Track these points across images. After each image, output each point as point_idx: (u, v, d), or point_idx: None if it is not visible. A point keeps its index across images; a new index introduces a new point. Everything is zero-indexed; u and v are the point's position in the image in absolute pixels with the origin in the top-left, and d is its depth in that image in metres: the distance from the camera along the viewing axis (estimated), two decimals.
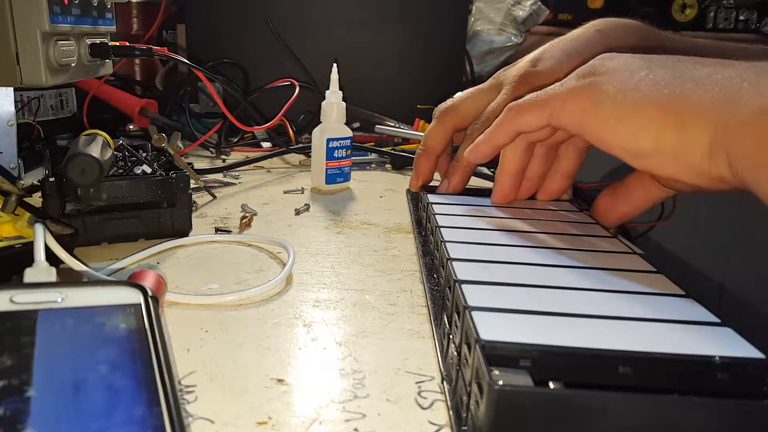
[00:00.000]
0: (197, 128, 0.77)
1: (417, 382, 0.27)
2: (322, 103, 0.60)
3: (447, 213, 0.43)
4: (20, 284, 0.27)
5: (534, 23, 1.06)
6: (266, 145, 0.78)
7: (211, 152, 0.74)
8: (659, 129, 0.32)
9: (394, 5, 0.88)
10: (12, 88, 0.52)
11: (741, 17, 1.24)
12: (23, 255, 0.32)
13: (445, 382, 0.27)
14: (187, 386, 0.26)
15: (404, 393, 0.27)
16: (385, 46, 0.89)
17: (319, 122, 0.60)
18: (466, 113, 0.50)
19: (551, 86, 0.39)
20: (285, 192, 0.60)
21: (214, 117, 0.80)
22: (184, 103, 0.79)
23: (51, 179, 0.41)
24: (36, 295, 0.25)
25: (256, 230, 0.48)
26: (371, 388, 0.27)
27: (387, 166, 0.73)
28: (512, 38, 1.04)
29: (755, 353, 0.23)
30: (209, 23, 0.85)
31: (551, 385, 0.22)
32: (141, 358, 0.23)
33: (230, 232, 0.47)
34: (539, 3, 1.05)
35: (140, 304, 0.26)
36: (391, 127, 0.82)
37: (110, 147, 0.44)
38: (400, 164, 0.72)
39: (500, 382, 0.21)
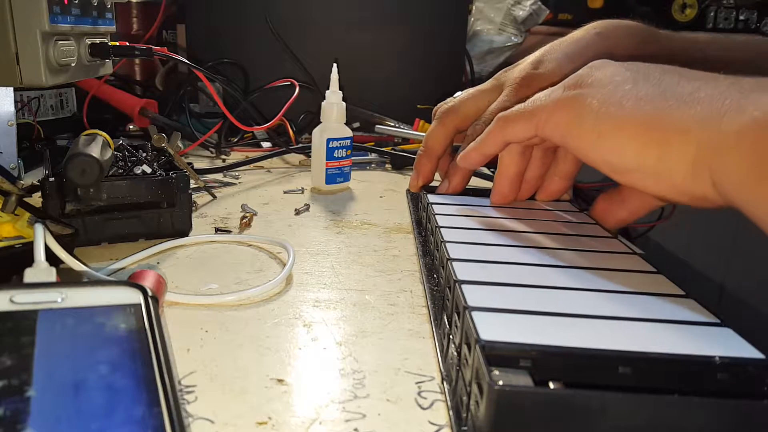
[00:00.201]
0: (197, 128, 0.77)
1: (417, 382, 0.27)
2: (322, 103, 0.60)
3: (447, 213, 0.43)
4: (20, 284, 0.27)
5: (534, 23, 1.06)
6: (266, 145, 0.78)
7: (211, 152, 0.74)
8: (640, 146, 0.32)
9: (394, 5, 0.88)
10: (12, 88, 0.52)
11: (741, 17, 1.24)
12: (23, 255, 0.32)
13: (445, 382, 0.27)
14: (187, 386, 0.26)
15: (404, 393, 0.27)
16: (385, 46, 0.89)
17: (319, 122, 0.60)
18: (467, 114, 0.50)
19: (538, 96, 0.39)
20: (285, 192, 0.60)
21: (214, 117, 0.80)
22: (184, 103, 0.79)
23: (51, 179, 0.41)
24: (36, 295, 0.25)
25: (256, 230, 0.48)
26: (371, 388, 0.27)
27: (387, 166, 0.73)
28: (512, 38, 1.04)
29: (755, 353, 0.23)
30: (209, 23, 0.85)
31: (551, 385, 0.22)
32: (141, 358, 0.23)
33: (230, 232, 0.47)
34: (539, 3, 1.05)
35: (140, 304, 0.26)
36: (391, 127, 0.82)
37: (110, 147, 0.44)
38: (400, 164, 0.72)
39: (500, 382, 0.21)
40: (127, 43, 0.55)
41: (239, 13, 0.85)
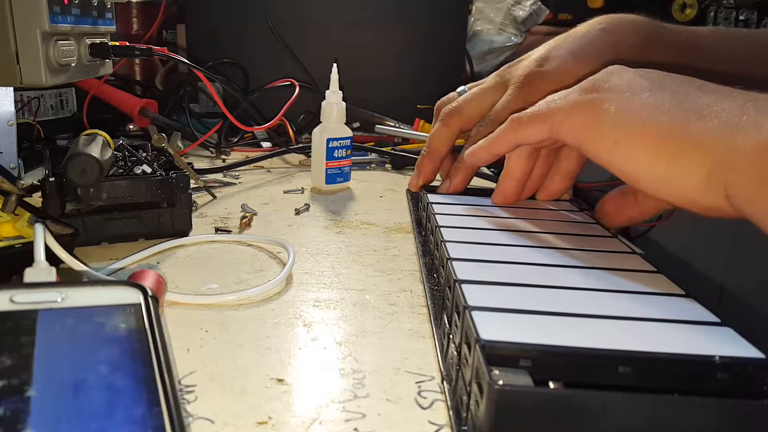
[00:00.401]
0: (197, 128, 0.77)
1: (417, 382, 0.27)
2: (322, 103, 0.60)
3: (447, 213, 0.43)
4: (20, 284, 0.27)
5: (534, 23, 1.06)
6: (266, 145, 0.78)
7: (211, 152, 0.74)
8: (655, 156, 0.32)
9: (394, 5, 0.88)
10: (12, 88, 0.52)
11: (741, 17, 1.24)
12: (23, 255, 0.32)
13: (445, 382, 0.27)
14: (187, 386, 0.26)
15: (404, 393, 0.27)
16: (385, 46, 0.89)
17: (319, 122, 0.60)
18: (471, 115, 0.50)
19: (553, 98, 0.38)
20: (285, 192, 0.60)
21: (214, 117, 0.80)
22: (184, 103, 0.79)
23: (51, 179, 0.41)
24: (36, 294, 0.25)
25: (256, 230, 0.48)
26: (371, 388, 0.27)
27: (387, 166, 0.73)
28: (512, 38, 1.04)
29: (755, 353, 0.23)
30: (209, 23, 0.85)
31: (551, 385, 0.22)
32: (141, 358, 0.23)
33: (230, 232, 0.47)
34: (539, 3, 1.05)
35: (140, 304, 0.26)
36: (391, 127, 0.82)
37: (110, 147, 0.44)
38: (400, 164, 0.72)
39: (500, 382, 0.21)
40: (127, 43, 0.55)
41: (239, 13, 0.85)
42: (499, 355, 0.23)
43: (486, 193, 0.48)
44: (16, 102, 0.53)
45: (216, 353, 0.29)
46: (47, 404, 0.20)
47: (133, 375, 0.22)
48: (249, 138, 0.80)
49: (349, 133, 0.60)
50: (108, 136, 0.45)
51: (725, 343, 0.24)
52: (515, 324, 0.25)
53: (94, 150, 0.40)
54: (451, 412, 0.25)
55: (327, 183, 0.60)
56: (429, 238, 0.43)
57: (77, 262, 0.34)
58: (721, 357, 0.23)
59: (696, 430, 0.21)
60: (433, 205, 0.44)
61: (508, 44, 1.04)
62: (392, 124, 0.83)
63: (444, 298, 0.33)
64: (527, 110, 0.40)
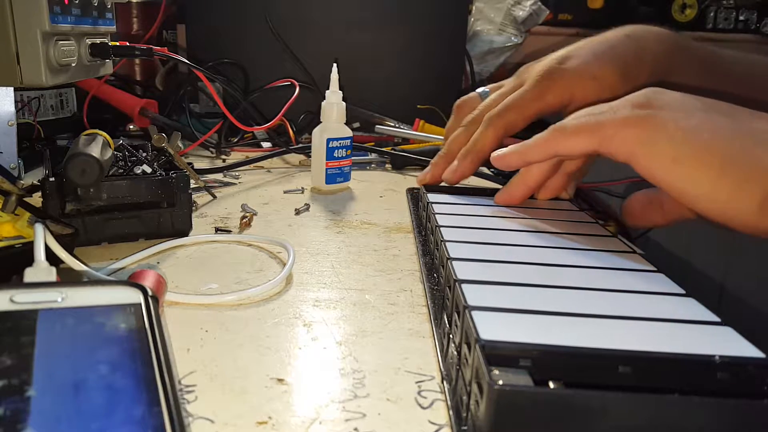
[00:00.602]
0: (197, 128, 0.77)
1: (417, 382, 0.27)
2: (322, 103, 0.60)
3: (447, 212, 0.43)
4: (20, 284, 0.27)
5: (534, 23, 1.06)
6: (266, 145, 0.78)
7: (211, 152, 0.74)
8: (716, 178, 0.32)
9: (394, 5, 0.88)
10: (12, 88, 0.52)
11: (741, 17, 1.24)
12: (23, 255, 0.32)
13: (445, 382, 0.27)
14: (187, 386, 0.26)
15: (404, 393, 0.27)
16: (385, 46, 0.89)
17: (319, 122, 0.60)
18: None
19: (599, 110, 0.37)
20: (285, 192, 0.60)
21: (214, 117, 0.80)
22: (184, 103, 0.79)
23: (51, 179, 0.41)
24: (36, 294, 0.25)
25: (256, 230, 0.48)
26: (371, 388, 0.27)
27: (387, 166, 0.73)
28: (512, 38, 1.04)
29: (756, 352, 0.23)
30: (209, 23, 0.85)
31: (551, 384, 0.22)
32: (141, 358, 0.23)
33: (230, 232, 0.47)
34: (539, 3, 1.05)
35: (140, 304, 0.26)
36: (391, 127, 0.82)
37: (110, 147, 0.44)
38: (400, 164, 0.72)
39: (500, 382, 0.21)
40: (128, 43, 0.55)
41: (239, 13, 0.85)
42: (499, 354, 0.23)
43: (486, 193, 0.48)
44: (16, 102, 0.53)
45: (216, 353, 0.29)
46: (47, 404, 0.20)
47: (133, 375, 0.22)
48: (249, 138, 0.80)
49: (349, 133, 0.60)
50: (108, 136, 0.45)
51: (725, 343, 0.24)
52: (515, 324, 0.25)
53: (94, 150, 0.40)
54: (451, 412, 0.25)
55: (327, 183, 0.60)
56: (429, 237, 0.43)
57: (77, 262, 0.34)
58: (721, 357, 0.23)
59: (696, 430, 0.21)
60: (433, 205, 0.44)
61: (508, 44, 1.04)
62: (392, 124, 0.83)
63: (444, 298, 0.33)
64: (569, 121, 0.38)
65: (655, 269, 0.33)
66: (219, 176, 0.64)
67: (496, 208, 0.45)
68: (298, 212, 0.53)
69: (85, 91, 0.76)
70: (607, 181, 0.50)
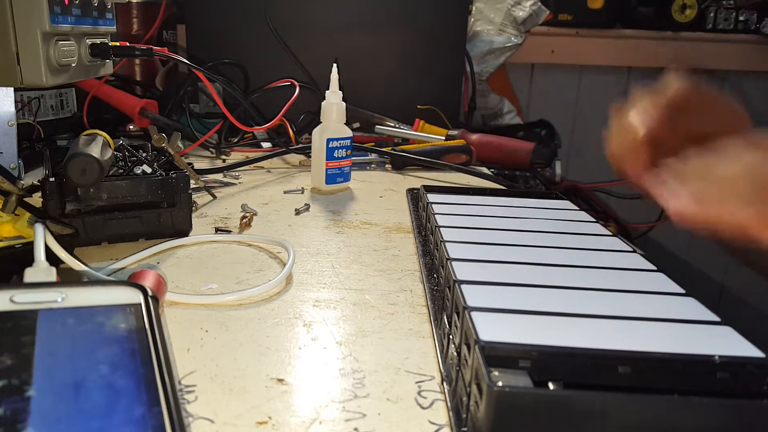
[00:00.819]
0: (197, 128, 0.77)
1: (417, 382, 0.27)
2: (322, 103, 0.60)
3: (447, 213, 0.43)
4: (20, 284, 0.27)
5: (534, 23, 1.06)
6: (266, 145, 0.78)
7: (211, 152, 0.74)
8: None
9: (394, 5, 0.88)
10: (12, 88, 0.52)
11: (741, 18, 1.24)
12: (23, 255, 0.32)
13: (445, 383, 0.27)
14: (187, 386, 0.26)
15: (404, 393, 0.27)
16: (385, 47, 0.89)
17: (319, 122, 0.60)
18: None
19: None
20: (285, 192, 0.60)
21: (214, 117, 0.80)
22: (184, 103, 0.79)
23: (51, 179, 0.41)
24: (36, 294, 0.25)
25: (256, 230, 0.48)
26: (371, 388, 0.27)
27: (387, 166, 0.73)
28: (512, 38, 1.04)
29: (755, 352, 0.23)
30: (209, 23, 0.85)
31: (551, 385, 0.22)
32: (141, 358, 0.23)
33: (230, 232, 0.47)
34: (539, 3, 1.05)
35: (140, 304, 0.26)
36: (391, 127, 0.82)
37: (110, 147, 0.44)
38: (400, 164, 0.72)
39: (499, 383, 0.21)
40: (128, 44, 0.55)
41: (239, 13, 0.85)
42: (499, 355, 0.23)
43: (485, 193, 0.48)
44: (16, 102, 0.53)
45: (216, 353, 0.29)
46: (47, 404, 0.20)
47: (133, 375, 0.22)
48: (249, 138, 0.80)
49: (349, 133, 0.60)
50: (108, 136, 0.45)
51: (725, 342, 0.24)
52: (515, 324, 0.25)
53: (94, 150, 0.40)
54: (450, 413, 0.25)
55: (327, 183, 0.60)
56: (429, 238, 0.43)
57: (77, 262, 0.34)
58: (721, 356, 0.23)
59: (696, 430, 0.21)
60: (433, 205, 0.44)
61: (508, 44, 1.04)
62: (392, 124, 0.83)
63: (444, 299, 0.33)
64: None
65: (655, 269, 0.33)
66: (219, 176, 0.64)
67: (496, 209, 0.45)
68: (298, 212, 0.53)
69: (85, 91, 0.76)
70: (607, 181, 0.50)
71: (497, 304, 0.27)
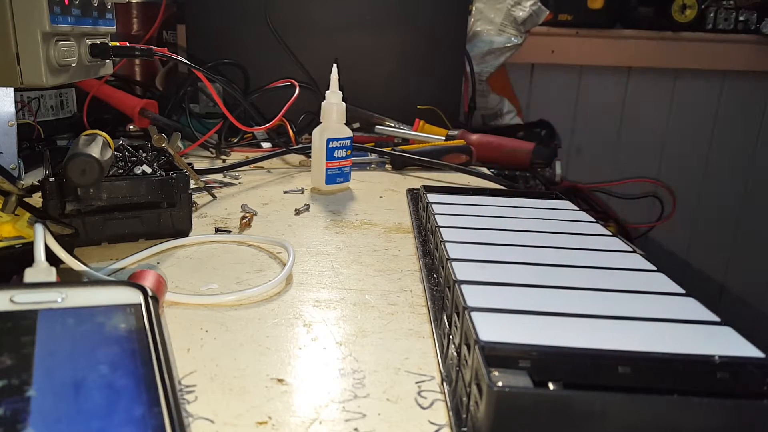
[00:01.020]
0: (197, 128, 0.77)
1: (417, 382, 0.27)
2: (322, 103, 0.60)
3: (447, 213, 0.43)
4: (20, 284, 0.27)
5: (534, 24, 1.06)
6: (266, 145, 0.78)
7: (211, 152, 0.74)
8: None
9: (394, 5, 0.88)
10: (12, 88, 0.52)
11: (741, 18, 1.24)
12: (23, 255, 0.32)
13: (445, 383, 0.27)
14: (187, 386, 0.26)
15: (404, 393, 0.27)
16: (385, 47, 0.89)
17: (319, 122, 0.60)
18: None
19: None
20: (285, 192, 0.60)
21: (214, 117, 0.80)
22: (184, 103, 0.79)
23: (51, 179, 0.41)
24: (36, 295, 0.25)
25: (256, 230, 0.48)
26: (371, 388, 0.27)
27: (387, 166, 0.73)
28: (512, 39, 1.04)
29: (755, 352, 0.23)
30: (209, 23, 0.85)
31: (551, 386, 0.22)
32: (141, 358, 0.23)
33: (230, 232, 0.47)
34: (539, 3, 1.05)
35: (140, 304, 0.26)
36: (391, 128, 0.82)
37: (110, 147, 0.44)
38: (400, 164, 0.72)
39: (499, 384, 0.21)
40: (128, 44, 0.55)
41: (239, 13, 0.85)
42: (499, 356, 0.23)
43: (486, 193, 0.48)
44: (16, 102, 0.53)
45: (216, 353, 0.29)
46: (47, 404, 0.20)
47: (133, 375, 0.22)
48: (249, 138, 0.80)
49: (349, 133, 0.60)
50: (108, 137, 0.45)
51: (725, 343, 0.24)
52: (515, 324, 0.25)
53: (94, 150, 0.40)
54: (450, 413, 0.25)
55: (327, 183, 0.60)
56: (429, 238, 0.43)
57: (77, 262, 0.34)
58: (720, 357, 0.23)
59: (696, 431, 0.21)
60: (433, 205, 0.44)
61: (508, 45, 1.04)
62: (392, 124, 0.83)
63: (444, 299, 0.33)
64: None
65: (655, 269, 0.33)
66: (219, 176, 0.64)
67: (495, 209, 0.45)
68: (298, 212, 0.53)
69: (85, 91, 0.76)
70: (607, 182, 0.50)
71: (497, 304, 0.27)
